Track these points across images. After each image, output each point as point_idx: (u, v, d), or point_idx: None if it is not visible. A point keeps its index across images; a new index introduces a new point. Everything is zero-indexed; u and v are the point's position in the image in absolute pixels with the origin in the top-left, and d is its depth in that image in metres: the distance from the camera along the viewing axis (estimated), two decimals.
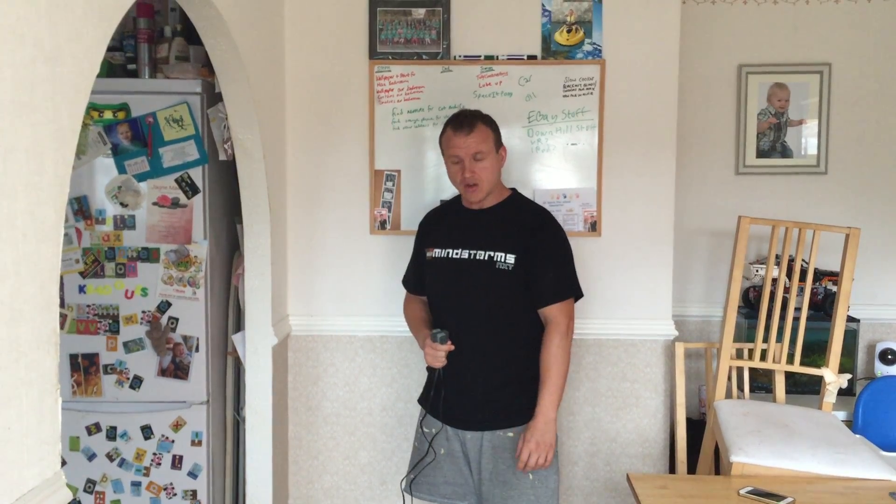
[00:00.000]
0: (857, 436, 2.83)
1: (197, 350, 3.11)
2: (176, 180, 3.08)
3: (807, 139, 3.88)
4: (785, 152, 3.88)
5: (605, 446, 3.29)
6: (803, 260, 3.20)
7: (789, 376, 3.25)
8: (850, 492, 2.38)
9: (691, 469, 3.18)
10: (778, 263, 3.12)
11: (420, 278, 2.86)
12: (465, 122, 2.64)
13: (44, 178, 1.43)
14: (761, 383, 3.46)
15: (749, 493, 2.34)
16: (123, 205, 3.09)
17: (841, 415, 3.26)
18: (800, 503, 2.29)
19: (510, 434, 2.66)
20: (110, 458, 3.13)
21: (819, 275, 3.68)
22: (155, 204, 3.09)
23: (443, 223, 2.83)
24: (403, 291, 3.19)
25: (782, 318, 3.04)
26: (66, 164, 1.50)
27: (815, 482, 2.44)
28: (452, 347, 2.66)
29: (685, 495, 2.40)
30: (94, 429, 3.13)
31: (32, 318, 1.42)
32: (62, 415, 1.54)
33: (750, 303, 3.72)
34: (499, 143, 2.69)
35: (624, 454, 3.28)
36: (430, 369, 2.77)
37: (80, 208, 3.09)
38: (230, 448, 3.32)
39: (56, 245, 1.48)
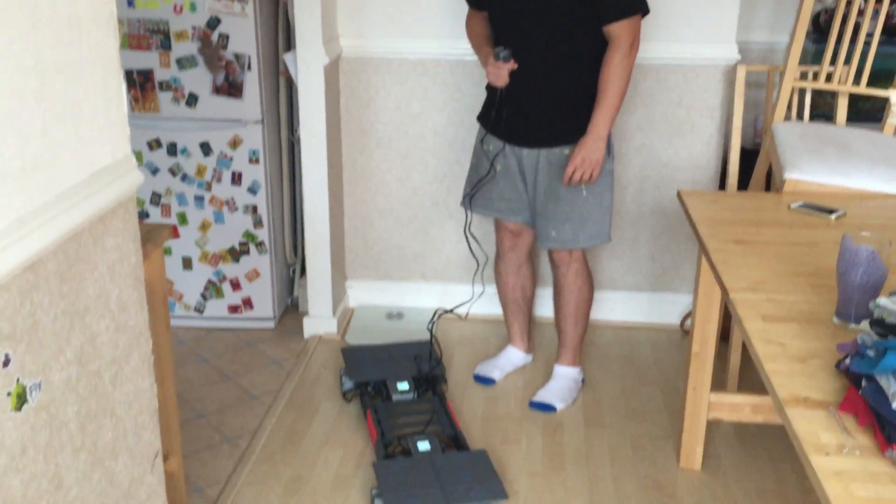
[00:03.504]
0: None
1: (249, 68, 3.09)
2: None
3: None
4: None
5: (656, 171, 3.30)
6: None
7: (852, 104, 3.14)
8: None
9: None
10: None
11: None
12: None
13: None
14: (822, 111, 3.36)
15: (800, 206, 2.35)
16: None
17: None
18: (851, 216, 2.29)
19: (566, 151, 2.68)
20: (173, 172, 3.23)
21: None
22: None
23: None
24: (456, 13, 3.09)
25: (853, 42, 2.89)
26: None
27: (869, 199, 2.43)
28: (515, 66, 2.61)
29: (736, 209, 2.42)
30: (154, 144, 3.21)
31: None
32: None
33: (819, 27, 3.54)
34: None
35: (674, 179, 3.29)
36: (490, 88, 2.73)
37: None
38: (286, 168, 3.40)
39: None
